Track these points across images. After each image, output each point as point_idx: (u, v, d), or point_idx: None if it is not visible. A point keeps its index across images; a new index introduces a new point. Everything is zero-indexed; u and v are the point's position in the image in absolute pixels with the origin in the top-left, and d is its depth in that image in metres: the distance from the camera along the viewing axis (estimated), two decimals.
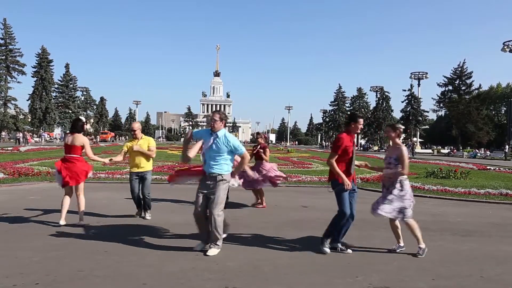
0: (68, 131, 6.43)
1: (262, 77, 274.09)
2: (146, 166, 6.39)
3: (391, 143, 5.01)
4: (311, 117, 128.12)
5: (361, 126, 4.85)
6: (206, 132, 4.84)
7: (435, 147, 62.64)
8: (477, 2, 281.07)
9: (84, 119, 6.42)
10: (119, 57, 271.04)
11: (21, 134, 49.81)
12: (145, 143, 6.38)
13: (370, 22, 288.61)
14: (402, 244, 4.92)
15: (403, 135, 5.11)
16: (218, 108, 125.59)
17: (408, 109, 68.85)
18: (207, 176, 4.76)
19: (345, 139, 4.77)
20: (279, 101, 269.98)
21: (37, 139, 54.07)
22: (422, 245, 4.76)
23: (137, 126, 6.47)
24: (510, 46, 38.69)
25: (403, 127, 5.09)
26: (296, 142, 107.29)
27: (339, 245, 4.89)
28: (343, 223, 4.80)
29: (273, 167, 8.11)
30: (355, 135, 5.07)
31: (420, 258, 4.65)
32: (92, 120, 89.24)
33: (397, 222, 4.87)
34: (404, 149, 4.78)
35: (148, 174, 6.42)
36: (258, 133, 8.82)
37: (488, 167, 19.77)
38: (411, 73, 65.63)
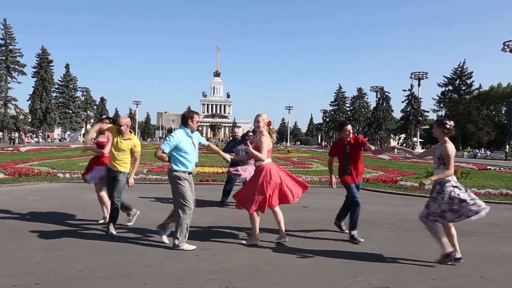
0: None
1: (262, 77, 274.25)
2: (122, 166, 5.57)
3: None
4: (311, 117, 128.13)
5: (347, 132, 5.49)
6: (187, 134, 4.89)
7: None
8: (477, 2, 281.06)
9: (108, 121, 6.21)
10: (119, 57, 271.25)
11: (17, 134, 49.59)
12: (129, 144, 5.60)
13: (370, 22, 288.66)
14: (458, 255, 4.42)
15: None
16: (218, 109, 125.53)
17: (408, 109, 68.83)
18: (190, 175, 4.92)
19: (334, 144, 5.85)
20: (279, 101, 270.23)
21: (36, 139, 53.90)
22: (449, 249, 4.35)
23: (125, 122, 5.57)
24: (510, 46, 38.63)
25: (451, 123, 4.55)
26: (298, 142, 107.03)
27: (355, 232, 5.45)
28: (353, 209, 5.46)
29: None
30: (353, 137, 5.58)
31: (420, 258, 4.64)
32: (92, 121, 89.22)
33: (452, 229, 4.49)
34: (450, 146, 4.41)
35: (121, 176, 5.54)
36: (248, 131, 8.77)
37: (488, 167, 19.75)
38: (411, 73, 65.25)
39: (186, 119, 4.92)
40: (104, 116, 6.67)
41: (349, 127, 5.51)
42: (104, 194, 6.01)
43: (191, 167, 4.87)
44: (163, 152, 4.70)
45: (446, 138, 4.50)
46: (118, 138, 5.56)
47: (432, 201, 4.47)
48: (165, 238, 4.99)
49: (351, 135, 5.53)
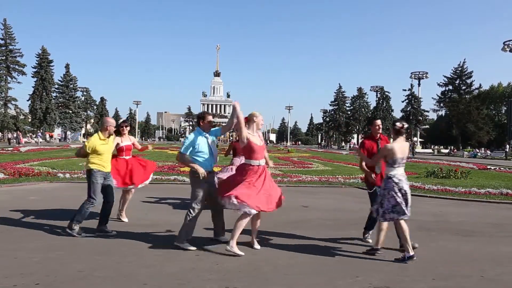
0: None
1: (262, 77, 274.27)
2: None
3: None
4: (312, 117, 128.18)
5: (377, 127, 5.31)
6: (201, 135, 4.95)
7: (435, 147, 62.63)
8: (477, 2, 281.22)
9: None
10: (119, 57, 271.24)
11: (14, 134, 49.24)
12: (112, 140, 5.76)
13: (370, 22, 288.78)
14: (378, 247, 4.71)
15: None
16: (218, 108, 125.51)
17: (408, 108, 68.88)
18: (211, 174, 5.01)
19: (366, 142, 5.34)
20: (279, 101, 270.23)
21: (35, 139, 53.53)
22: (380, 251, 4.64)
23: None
24: (510, 45, 38.65)
25: (399, 124, 4.72)
26: (299, 142, 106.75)
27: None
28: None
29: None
30: (382, 137, 5.36)
31: (421, 258, 4.64)
32: (92, 121, 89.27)
33: (384, 225, 4.71)
34: (389, 146, 4.61)
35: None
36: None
37: (489, 167, 19.76)
38: (411, 73, 65.72)
39: (198, 120, 5.08)
40: (121, 120, 6.90)
41: (379, 121, 5.43)
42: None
43: (209, 166, 4.93)
44: (181, 153, 4.83)
45: (398, 138, 4.65)
46: (111, 140, 5.63)
47: (382, 197, 4.63)
48: (224, 239, 5.04)
49: (380, 131, 5.37)
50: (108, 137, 5.56)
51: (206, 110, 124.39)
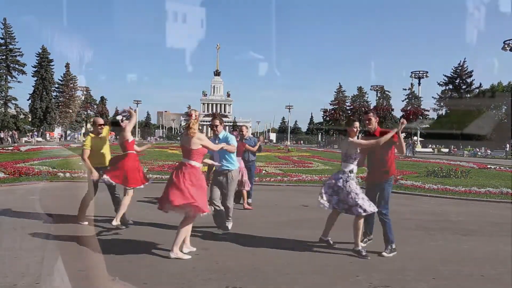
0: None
1: (262, 76, 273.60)
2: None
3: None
4: (312, 116, 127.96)
5: (367, 121, 5.13)
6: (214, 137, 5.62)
7: (435, 146, 62.63)
8: (477, 2, 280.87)
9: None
10: (120, 56, 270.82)
11: (10, 133, 48.74)
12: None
13: (370, 21, 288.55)
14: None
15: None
16: (218, 108, 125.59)
17: (408, 108, 68.85)
18: (219, 173, 5.52)
19: (362, 138, 5.29)
20: (279, 100, 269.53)
21: (35, 139, 52.84)
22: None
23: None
24: (510, 45, 38.66)
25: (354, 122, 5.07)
26: (301, 141, 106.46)
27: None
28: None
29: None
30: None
31: (421, 257, 4.64)
32: (92, 120, 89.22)
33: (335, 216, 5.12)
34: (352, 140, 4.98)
35: None
36: (242, 126, 8.15)
37: (489, 166, 19.74)
38: (411, 72, 65.66)
39: None
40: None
41: (370, 115, 5.06)
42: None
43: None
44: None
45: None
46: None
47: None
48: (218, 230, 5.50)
49: (371, 125, 5.02)
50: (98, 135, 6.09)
51: (206, 109, 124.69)
